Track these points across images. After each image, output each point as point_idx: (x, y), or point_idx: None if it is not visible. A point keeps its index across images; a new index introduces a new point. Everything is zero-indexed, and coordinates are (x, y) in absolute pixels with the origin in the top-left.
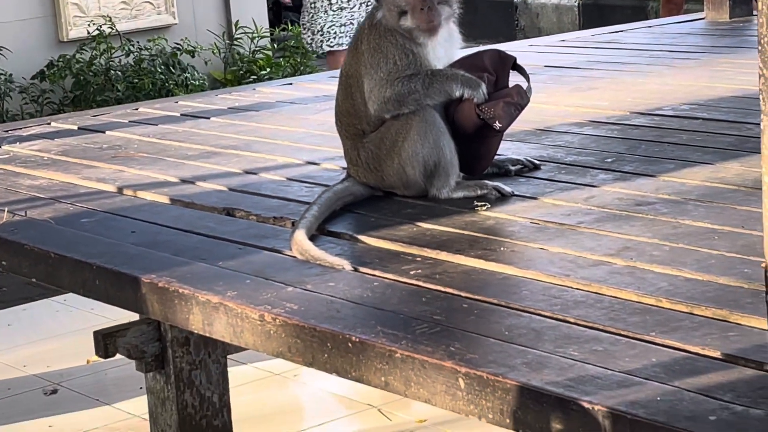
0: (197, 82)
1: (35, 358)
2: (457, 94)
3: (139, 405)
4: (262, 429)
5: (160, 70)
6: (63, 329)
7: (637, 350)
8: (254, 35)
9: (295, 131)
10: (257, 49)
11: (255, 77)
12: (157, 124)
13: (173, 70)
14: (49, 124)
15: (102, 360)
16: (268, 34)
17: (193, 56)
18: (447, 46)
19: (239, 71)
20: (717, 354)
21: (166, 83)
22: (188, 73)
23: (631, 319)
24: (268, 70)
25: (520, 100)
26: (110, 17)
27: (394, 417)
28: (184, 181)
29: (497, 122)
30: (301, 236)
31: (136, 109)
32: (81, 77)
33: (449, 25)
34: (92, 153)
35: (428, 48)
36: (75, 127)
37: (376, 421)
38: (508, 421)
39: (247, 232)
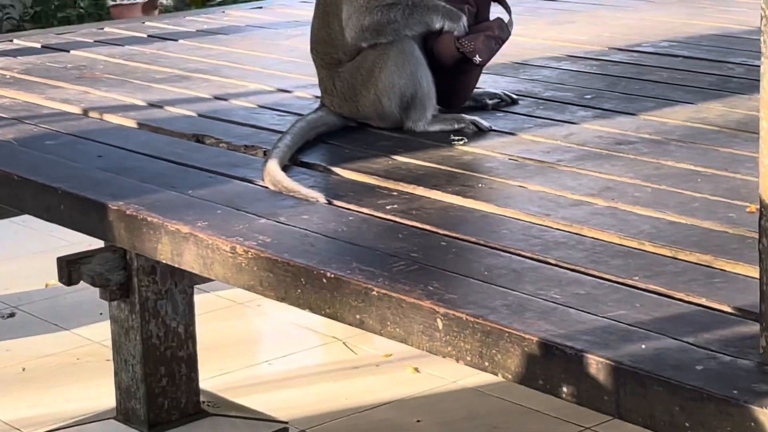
0: (164, 2)
1: None
2: (437, 26)
3: (99, 331)
4: (226, 359)
5: None
6: (22, 251)
7: (620, 295)
8: None
9: (265, 57)
10: None
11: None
12: (123, 45)
13: None
14: (12, 41)
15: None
16: None
17: None
18: None
19: None
20: (703, 301)
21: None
22: None
23: (613, 262)
24: None
25: (501, 33)
26: None
27: (359, 350)
28: (151, 104)
29: (477, 56)
30: (273, 166)
31: (102, 28)
32: None
33: None
34: (56, 72)
35: None
36: (38, 45)
37: (342, 354)
38: (486, 364)
39: (218, 160)
